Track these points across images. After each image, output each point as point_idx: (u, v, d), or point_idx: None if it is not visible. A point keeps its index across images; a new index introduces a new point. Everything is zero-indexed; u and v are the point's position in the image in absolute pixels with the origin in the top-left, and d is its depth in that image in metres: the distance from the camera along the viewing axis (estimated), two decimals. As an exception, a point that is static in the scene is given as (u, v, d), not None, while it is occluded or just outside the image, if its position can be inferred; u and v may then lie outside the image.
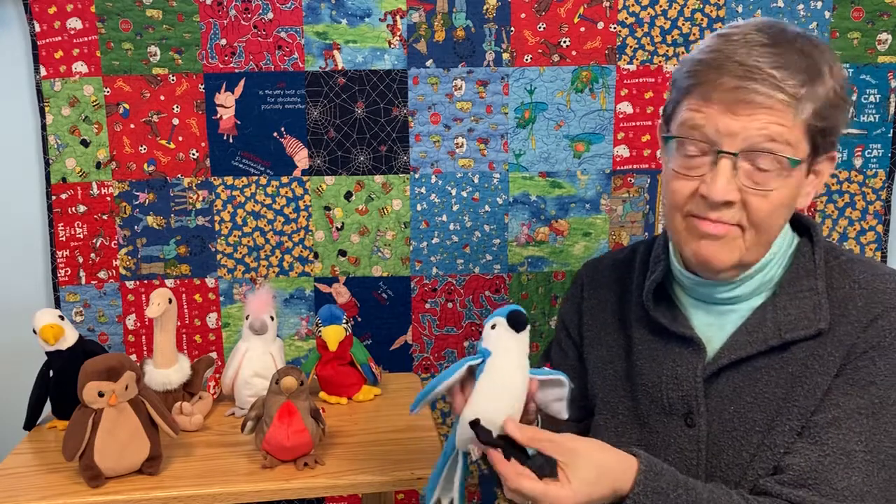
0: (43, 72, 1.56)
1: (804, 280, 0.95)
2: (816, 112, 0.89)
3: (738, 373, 0.95)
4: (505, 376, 0.86)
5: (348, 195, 1.64)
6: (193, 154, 1.61)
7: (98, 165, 1.60)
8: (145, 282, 1.64)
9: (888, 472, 0.88)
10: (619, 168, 1.63)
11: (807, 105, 0.88)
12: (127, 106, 1.59)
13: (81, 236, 1.61)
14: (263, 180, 1.63)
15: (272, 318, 1.30)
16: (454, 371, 0.87)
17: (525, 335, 0.87)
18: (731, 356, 0.95)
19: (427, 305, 1.68)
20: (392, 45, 1.58)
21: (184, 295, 1.65)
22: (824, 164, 0.94)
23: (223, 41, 1.57)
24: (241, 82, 1.59)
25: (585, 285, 1.17)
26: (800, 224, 1.00)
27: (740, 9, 1.58)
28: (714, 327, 0.99)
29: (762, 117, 0.87)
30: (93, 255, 1.62)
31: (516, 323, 0.86)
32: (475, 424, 0.84)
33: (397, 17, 1.57)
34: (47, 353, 1.22)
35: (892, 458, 0.88)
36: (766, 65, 0.87)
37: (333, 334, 1.31)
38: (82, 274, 1.62)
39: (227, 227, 1.64)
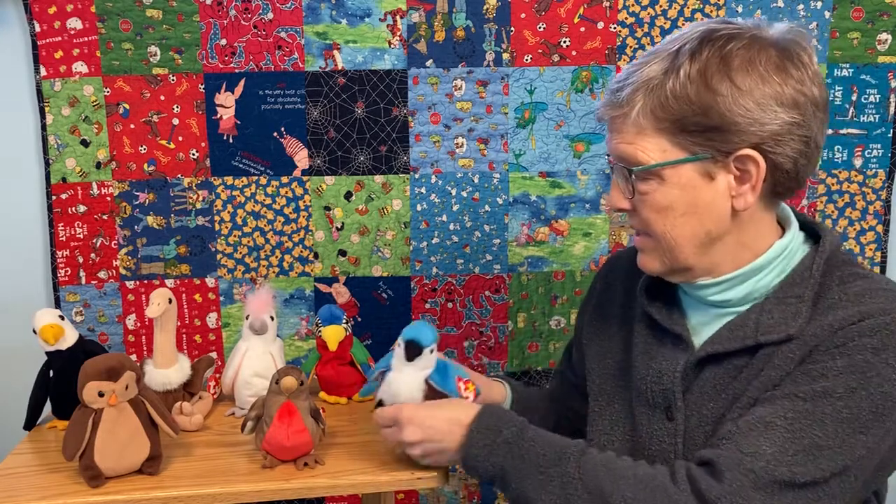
0: (43, 72, 1.56)
1: (796, 287, 0.94)
2: (656, 112, 0.91)
3: (720, 370, 0.96)
4: (393, 392, 1.07)
5: (348, 195, 1.64)
6: (193, 154, 1.61)
7: (98, 165, 1.60)
8: (145, 282, 1.64)
9: (805, 456, 0.84)
10: (619, 168, 1.63)
11: (640, 112, 0.92)
12: (127, 106, 1.59)
13: (81, 236, 1.61)
14: (263, 180, 1.63)
15: (272, 318, 1.30)
16: (374, 371, 1.13)
17: (420, 360, 1.05)
18: (708, 349, 0.96)
19: (427, 305, 1.68)
20: (392, 45, 1.59)
21: (184, 295, 1.65)
22: (745, 161, 0.90)
23: (223, 41, 1.57)
24: (241, 82, 1.59)
25: (602, 278, 1.20)
26: (817, 234, 1.00)
27: (740, 9, 1.58)
28: (708, 328, 0.99)
29: (614, 124, 0.96)
30: (93, 255, 1.62)
31: (408, 354, 1.05)
32: (379, 403, 1.10)
33: (397, 17, 1.57)
34: (47, 353, 1.21)
35: (815, 446, 0.84)
36: (615, 83, 0.96)
37: (333, 334, 1.30)
38: (82, 274, 1.63)
39: (227, 227, 1.64)
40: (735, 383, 0.94)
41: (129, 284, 1.64)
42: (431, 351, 1.06)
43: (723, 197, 0.92)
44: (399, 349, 1.06)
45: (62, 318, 1.22)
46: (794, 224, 0.99)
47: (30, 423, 1.24)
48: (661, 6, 1.59)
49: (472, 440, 0.97)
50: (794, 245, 0.97)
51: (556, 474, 0.91)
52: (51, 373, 1.21)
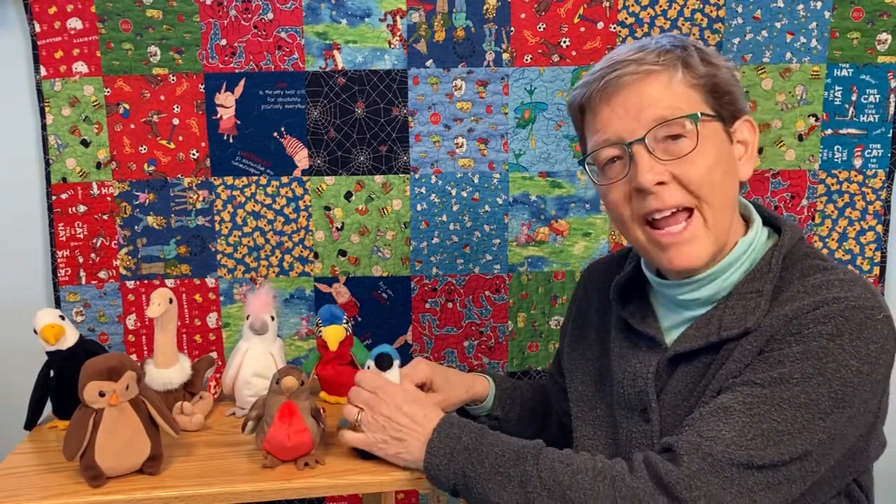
0: (43, 72, 1.56)
1: (756, 282, 0.95)
2: (690, 71, 0.94)
3: (690, 369, 0.96)
4: None
5: (348, 195, 1.64)
6: (193, 154, 1.61)
7: (98, 165, 1.60)
8: (145, 282, 1.64)
9: (764, 441, 0.84)
10: (619, 168, 1.64)
11: (675, 69, 0.94)
12: (127, 106, 1.59)
13: (81, 236, 1.61)
14: (263, 180, 1.63)
15: (272, 318, 1.30)
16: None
17: (391, 372, 1.09)
18: (677, 349, 0.97)
19: (427, 305, 1.68)
20: (392, 45, 1.59)
21: (184, 295, 1.65)
22: (743, 129, 0.98)
23: (223, 41, 1.57)
24: (241, 82, 1.59)
25: (581, 286, 1.23)
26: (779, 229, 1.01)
27: (740, 9, 1.59)
28: (680, 328, 1.00)
29: (640, 91, 0.93)
30: (93, 255, 1.62)
31: (382, 365, 1.09)
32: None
33: (397, 17, 1.58)
34: (48, 353, 1.21)
35: (774, 431, 0.84)
36: (623, 55, 0.96)
37: (333, 334, 1.30)
38: (82, 274, 1.63)
39: (227, 227, 1.64)
40: (703, 381, 0.95)
41: (130, 284, 1.64)
42: (399, 366, 1.11)
43: (736, 163, 0.98)
44: (372, 370, 1.10)
45: (62, 318, 1.22)
46: (758, 220, 1.00)
47: (30, 423, 1.23)
48: (661, 6, 1.59)
49: (432, 449, 0.97)
50: (758, 241, 0.98)
51: (516, 474, 0.91)
52: (51, 373, 1.21)
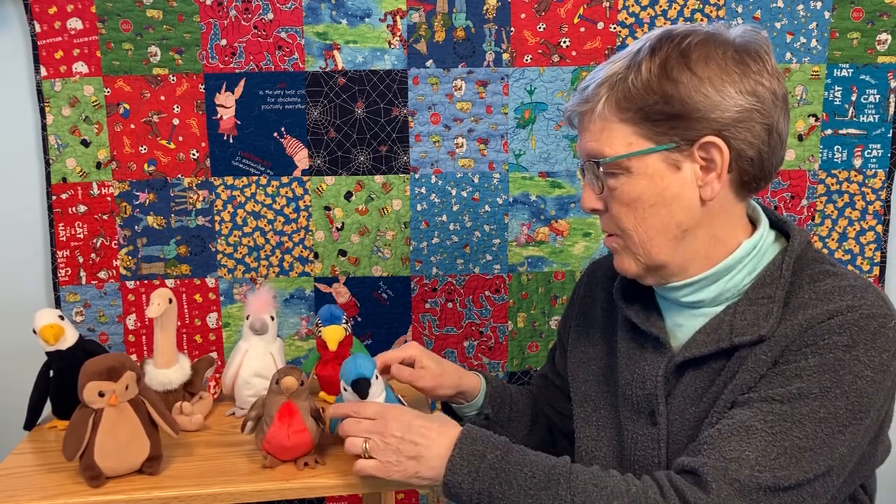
0: (43, 72, 1.56)
1: (767, 287, 0.94)
2: (620, 104, 0.93)
3: (699, 374, 0.96)
4: None
5: (348, 195, 1.64)
6: (193, 154, 1.62)
7: (98, 165, 1.60)
8: (145, 282, 1.64)
9: (787, 459, 0.84)
10: (618, 168, 1.64)
11: (604, 104, 0.94)
12: (127, 106, 1.59)
13: (82, 236, 1.61)
14: (263, 180, 1.63)
15: (272, 318, 1.30)
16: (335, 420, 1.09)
17: (372, 390, 1.04)
18: (686, 354, 0.96)
19: (427, 305, 1.68)
20: (392, 46, 1.59)
21: (184, 295, 1.65)
22: (708, 149, 0.91)
23: (223, 41, 1.57)
24: (242, 82, 1.59)
25: (583, 284, 1.22)
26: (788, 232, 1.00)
27: (740, 9, 1.59)
28: (684, 329, 1.00)
29: (583, 119, 0.98)
30: (93, 255, 1.62)
31: (361, 393, 1.03)
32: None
33: (397, 18, 1.58)
34: (47, 353, 1.21)
35: (796, 448, 0.84)
36: (590, 75, 0.98)
37: (333, 334, 1.30)
38: (82, 274, 1.63)
39: (227, 227, 1.64)
40: (713, 387, 0.94)
41: (130, 284, 1.64)
42: (377, 377, 1.05)
43: (690, 187, 0.93)
44: (348, 393, 1.05)
45: (62, 318, 1.22)
46: (765, 222, 0.99)
47: (30, 423, 1.23)
48: (661, 6, 1.59)
49: (454, 466, 0.92)
50: (763, 244, 0.98)
51: (547, 497, 0.88)
52: (51, 373, 1.21)
